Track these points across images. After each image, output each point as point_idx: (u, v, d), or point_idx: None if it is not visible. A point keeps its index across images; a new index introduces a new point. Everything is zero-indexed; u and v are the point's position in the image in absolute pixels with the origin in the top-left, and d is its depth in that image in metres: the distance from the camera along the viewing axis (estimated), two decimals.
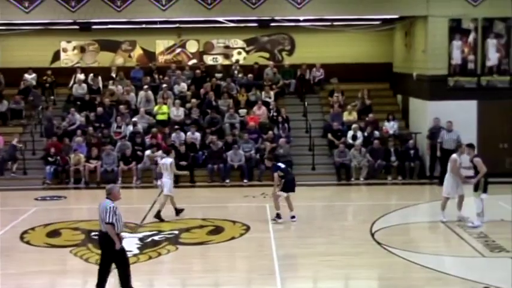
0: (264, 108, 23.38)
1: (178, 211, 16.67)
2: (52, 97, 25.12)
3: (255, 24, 24.67)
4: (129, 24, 23.82)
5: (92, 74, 25.13)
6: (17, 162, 21.76)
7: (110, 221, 10.30)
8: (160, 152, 20.49)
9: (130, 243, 12.18)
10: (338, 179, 21.25)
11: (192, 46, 26.28)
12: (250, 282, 12.12)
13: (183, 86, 24.56)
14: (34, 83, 25.15)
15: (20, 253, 13.87)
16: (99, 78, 24.94)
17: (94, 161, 21.32)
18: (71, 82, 24.93)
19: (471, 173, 15.43)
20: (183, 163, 20.54)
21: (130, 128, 22.56)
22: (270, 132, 22.30)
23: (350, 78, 24.69)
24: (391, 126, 22.66)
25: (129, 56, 26.30)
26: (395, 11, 21.86)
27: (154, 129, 22.23)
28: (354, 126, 22.34)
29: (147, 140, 22.10)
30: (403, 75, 23.83)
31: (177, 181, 18.85)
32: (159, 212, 16.22)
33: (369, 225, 15.47)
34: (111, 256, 10.54)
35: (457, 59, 21.18)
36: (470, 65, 21.20)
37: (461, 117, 20.60)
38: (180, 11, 21.61)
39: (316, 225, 15.96)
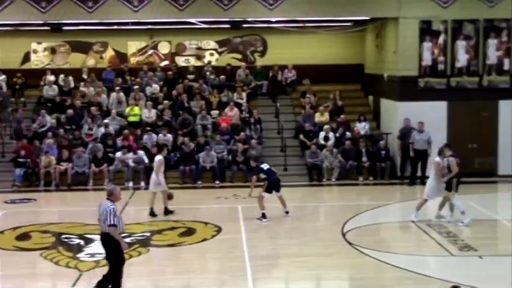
0: (236, 109, 23.37)
1: (153, 212, 16.68)
2: (22, 99, 24.86)
3: (227, 26, 24.74)
4: (100, 25, 23.66)
5: (62, 75, 24.92)
6: None
7: (112, 222, 10.51)
8: (131, 153, 20.42)
9: (101, 246, 12.04)
10: (310, 180, 21.34)
11: (164, 47, 26.19)
12: (222, 284, 12.11)
13: (155, 87, 24.45)
14: (4, 84, 24.85)
15: None
16: (70, 79, 24.73)
17: (65, 163, 21.13)
18: (41, 83, 24.70)
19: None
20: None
21: (102, 129, 22.40)
22: (242, 134, 22.31)
23: (322, 80, 24.80)
24: (362, 127, 22.81)
25: (101, 58, 26.12)
26: (366, 12, 21.99)
27: (126, 131, 22.14)
28: (325, 127, 22.43)
29: (119, 141, 21.98)
30: (375, 77, 24.00)
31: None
32: (166, 208, 16.71)
33: (340, 225, 15.53)
34: (111, 256, 10.69)
35: (427, 60, 21.39)
36: (440, 66, 21.43)
37: (431, 117, 20.78)
38: (152, 12, 21.52)
39: (288, 226, 16.01)
